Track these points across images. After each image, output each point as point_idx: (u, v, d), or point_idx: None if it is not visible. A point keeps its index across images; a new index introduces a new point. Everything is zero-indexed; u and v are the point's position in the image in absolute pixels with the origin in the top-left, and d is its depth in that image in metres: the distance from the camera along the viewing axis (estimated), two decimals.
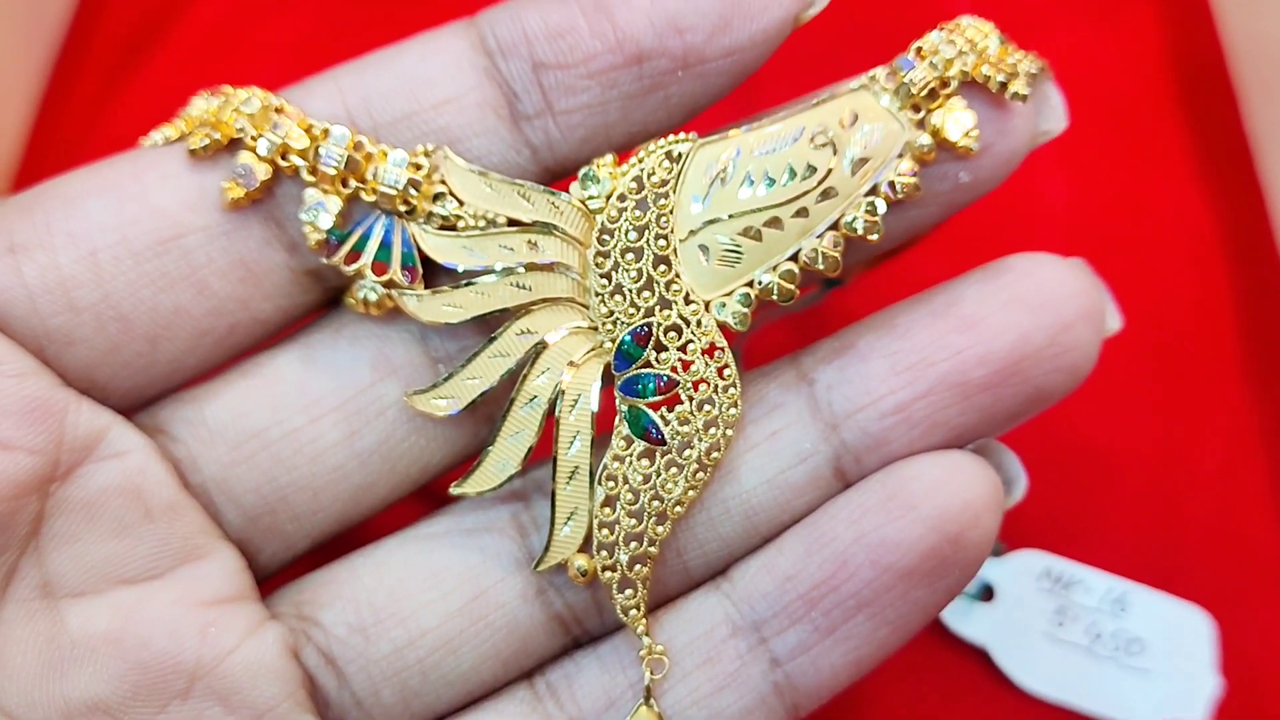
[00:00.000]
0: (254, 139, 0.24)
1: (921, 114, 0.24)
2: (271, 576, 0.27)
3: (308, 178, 0.24)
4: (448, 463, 0.26)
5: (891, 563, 0.24)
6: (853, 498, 0.24)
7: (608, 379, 0.25)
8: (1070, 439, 0.37)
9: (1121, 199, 0.41)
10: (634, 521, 0.25)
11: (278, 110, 0.25)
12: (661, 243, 0.24)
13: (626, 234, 0.24)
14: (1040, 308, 0.24)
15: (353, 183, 0.25)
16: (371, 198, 0.25)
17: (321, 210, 0.24)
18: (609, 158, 0.25)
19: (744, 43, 0.24)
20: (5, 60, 0.42)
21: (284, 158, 0.24)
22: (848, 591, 0.24)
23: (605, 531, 0.25)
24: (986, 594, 0.34)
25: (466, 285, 0.25)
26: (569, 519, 0.25)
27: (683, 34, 0.24)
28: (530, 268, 0.25)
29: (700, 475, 0.25)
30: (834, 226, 0.24)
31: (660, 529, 0.25)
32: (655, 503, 0.25)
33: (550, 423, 0.25)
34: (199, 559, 0.25)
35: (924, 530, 0.24)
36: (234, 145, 0.25)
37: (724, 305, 0.24)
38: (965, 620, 0.33)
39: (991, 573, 0.34)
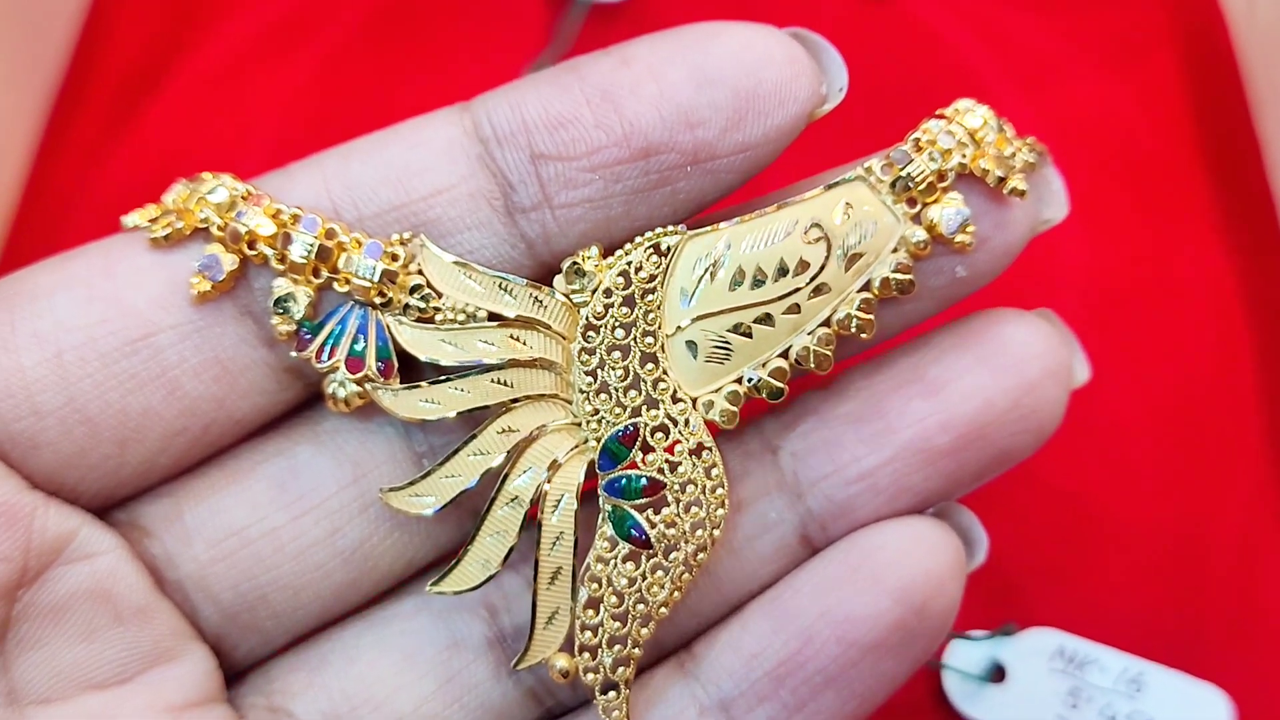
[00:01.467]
0: (220, 229, 0.24)
1: (918, 208, 0.24)
2: (245, 671, 0.26)
3: (277, 266, 0.24)
4: (431, 558, 0.26)
5: (857, 638, 0.24)
6: (816, 570, 0.25)
7: (590, 476, 0.24)
8: (1084, 510, 0.37)
9: (1141, 254, 0.40)
10: (618, 625, 0.24)
11: (244, 197, 0.24)
12: (649, 340, 0.24)
13: (613, 331, 0.24)
14: (1004, 370, 0.24)
15: (324, 272, 0.24)
16: (345, 288, 0.24)
17: (291, 301, 0.24)
18: (594, 250, 0.24)
19: (757, 139, 0.24)
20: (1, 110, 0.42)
21: (251, 246, 0.24)
22: (814, 668, 0.24)
23: (588, 634, 0.24)
24: (997, 674, 0.33)
25: (445, 381, 0.24)
26: (550, 619, 0.25)
27: (694, 129, 0.23)
28: (512, 364, 0.24)
29: (686, 577, 0.24)
30: (826, 323, 0.24)
31: (644, 631, 0.24)
32: (640, 606, 0.24)
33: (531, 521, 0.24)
34: (169, 661, 0.25)
35: (889, 603, 0.24)
36: (198, 235, 0.24)
37: (712, 403, 0.24)
38: (975, 703, 0.33)
39: (1002, 652, 0.33)
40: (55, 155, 0.44)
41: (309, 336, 0.24)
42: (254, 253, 0.24)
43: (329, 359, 0.24)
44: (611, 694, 0.24)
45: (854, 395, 0.25)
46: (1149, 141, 0.43)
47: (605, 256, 0.24)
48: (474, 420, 0.25)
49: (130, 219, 0.25)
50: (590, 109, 0.24)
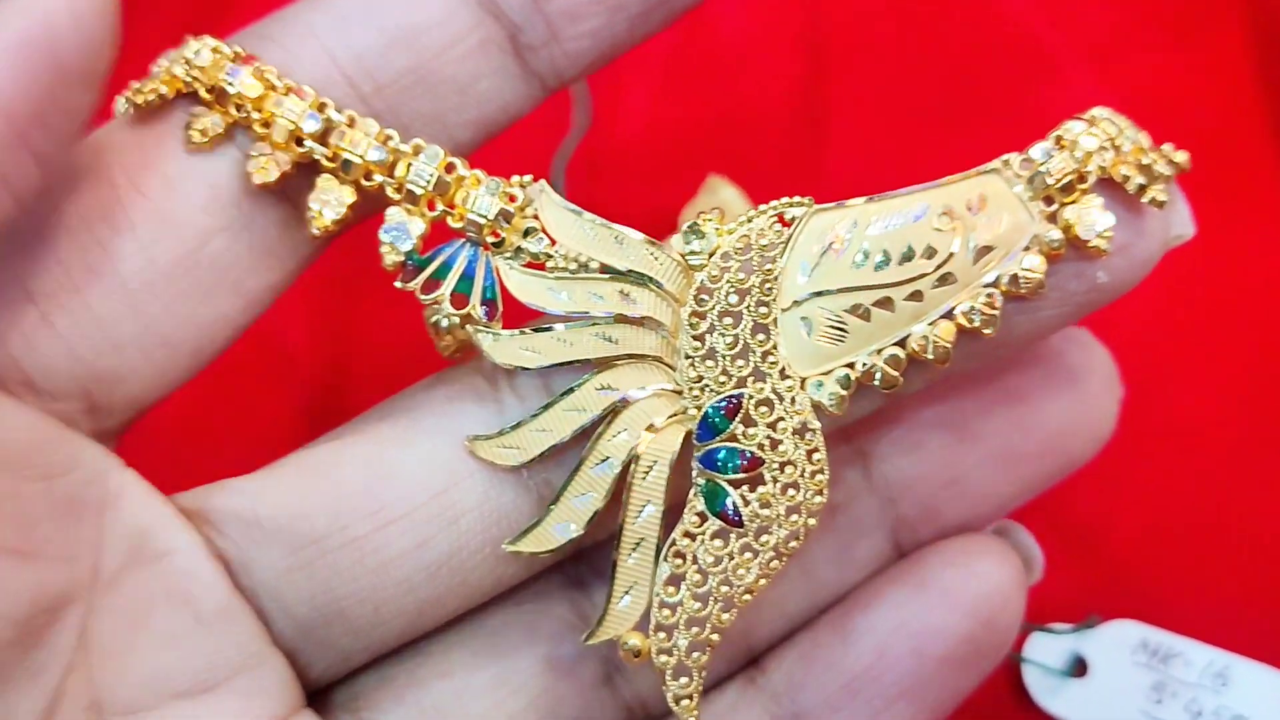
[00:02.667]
0: (330, 158, 0.24)
1: (1054, 207, 0.23)
2: (324, 689, 0.26)
3: (393, 196, 0.24)
4: (522, 575, 0.25)
5: (931, 651, 0.25)
6: (886, 585, 0.26)
7: (687, 448, 0.24)
8: (1168, 501, 0.37)
9: (1209, 233, 0.40)
10: (698, 605, 0.23)
11: (350, 124, 0.24)
12: (763, 310, 0.23)
13: (727, 296, 0.24)
14: (1075, 384, 0.27)
15: (439, 206, 0.24)
16: (458, 224, 0.24)
17: (403, 233, 0.24)
18: (715, 213, 0.24)
19: None
20: None
21: (368, 178, 0.23)
22: (889, 680, 0.25)
23: (665, 612, 0.24)
24: (1079, 669, 0.33)
25: (548, 330, 0.24)
26: (627, 592, 0.24)
27: None
28: (619, 319, 0.24)
29: (775, 564, 0.24)
30: (948, 315, 0.23)
31: (725, 616, 0.24)
32: (724, 588, 0.23)
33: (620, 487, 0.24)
34: (253, 669, 0.24)
35: (960, 616, 0.25)
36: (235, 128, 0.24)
37: (821, 384, 0.24)
38: (1056, 698, 0.33)
39: (1084, 646, 0.34)
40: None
41: (415, 269, 0.24)
42: (370, 184, 0.24)
43: (435, 293, 0.24)
44: (684, 680, 0.24)
45: (938, 401, 0.26)
46: (1216, 116, 0.44)
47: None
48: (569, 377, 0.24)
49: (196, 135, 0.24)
50: None
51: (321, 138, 0.24)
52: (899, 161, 0.44)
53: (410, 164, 0.24)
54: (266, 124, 0.23)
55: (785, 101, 0.45)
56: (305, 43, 0.24)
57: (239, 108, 0.23)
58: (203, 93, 0.24)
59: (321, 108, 0.24)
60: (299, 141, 0.23)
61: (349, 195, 0.24)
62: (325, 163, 0.24)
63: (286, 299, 0.38)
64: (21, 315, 0.23)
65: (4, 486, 0.23)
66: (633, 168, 0.43)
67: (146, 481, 0.25)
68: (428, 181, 0.24)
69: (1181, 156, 0.25)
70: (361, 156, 0.24)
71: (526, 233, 0.24)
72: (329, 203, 0.24)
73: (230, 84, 0.23)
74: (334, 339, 0.40)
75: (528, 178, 0.24)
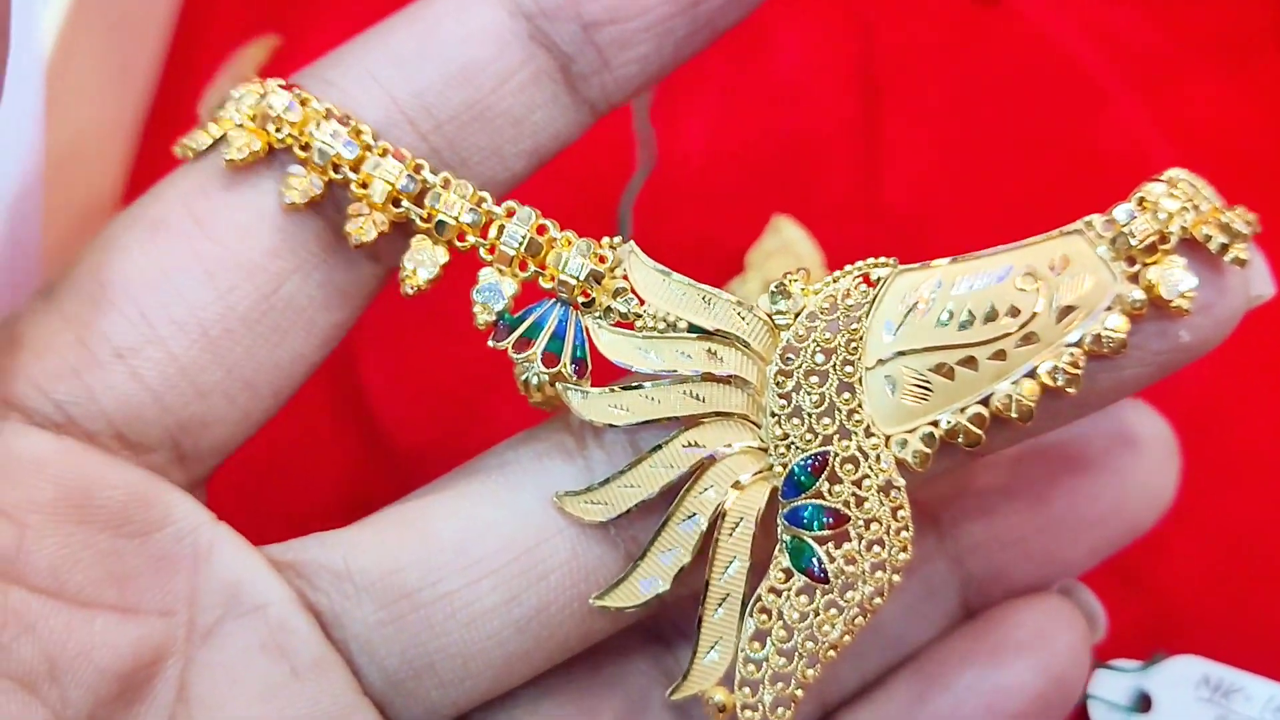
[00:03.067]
0: (424, 219, 0.24)
1: (1136, 267, 0.24)
2: None
3: (485, 257, 0.24)
4: (609, 630, 0.26)
5: (1004, 708, 0.27)
6: (959, 645, 0.27)
7: (773, 505, 0.24)
8: (1229, 534, 0.38)
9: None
10: (783, 661, 0.24)
11: (444, 185, 0.25)
12: (848, 369, 0.24)
13: (813, 355, 0.24)
14: (1138, 454, 0.29)
15: (531, 266, 0.24)
16: (549, 284, 0.24)
17: (496, 293, 0.24)
18: (801, 273, 0.24)
19: None
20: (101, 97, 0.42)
21: (461, 238, 0.24)
22: None
23: (750, 667, 0.24)
24: (1143, 704, 0.34)
25: (637, 388, 0.24)
26: (713, 647, 0.24)
27: None
28: (706, 378, 0.24)
29: (860, 620, 0.24)
30: (1031, 374, 0.24)
31: (810, 672, 0.24)
32: (809, 644, 0.24)
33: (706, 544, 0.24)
34: None
35: (1032, 675, 0.27)
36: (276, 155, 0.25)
37: (905, 442, 0.24)
38: None
39: (1148, 681, 0.34)
40: (151, 165, 0.45)
41: (507, 328, 0.24)
42: (463, 245, 0.24)
43: (527, 352, 0.24)
44: None
45: (1005, 468, 0.28)
46: (1267, 144, 0.45)
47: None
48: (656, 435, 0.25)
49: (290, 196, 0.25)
50: None
51: (417, 199, 0.24)
52: (954, 193, 0.45)
53: (503, 226, 0.24)
54: (364, 185, 0.24)
55: (841, 133, 0.46)
56: (364, 85, 0.25)
57: (336, 168, 0.24)
58: (297, 150, 0.24)
59: (418, 169, 0.24)
60: (396, 203, 0.24)
61: (442, 255, 0.24)
62: (420, 223, 0.24)
63: (360, 338, 0.39)
64: (111, 371, 0.24)
65: (103, 544, 0.23)
66: (695, 202, 0.44)
67: (238, 533, 0.25)
68: (520, 243, 0.24)
69: (1253, 217, 0.25)
70: (456, 218, 0.24)
71: (616, 293, 0.25)
72: (423, 263, 0.24)
73: (329, 146, 0.24)
74: (405, 377, 0.40)
75: (618, 239, 0.25)
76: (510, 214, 0.25)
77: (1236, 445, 0.40)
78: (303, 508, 0.38)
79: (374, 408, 0.39)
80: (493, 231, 0.24)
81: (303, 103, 0.24)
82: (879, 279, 0.24)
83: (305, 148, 0.24)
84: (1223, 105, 0.48)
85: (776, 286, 0.25)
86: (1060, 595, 0.28)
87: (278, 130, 0.24)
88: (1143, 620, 0.37)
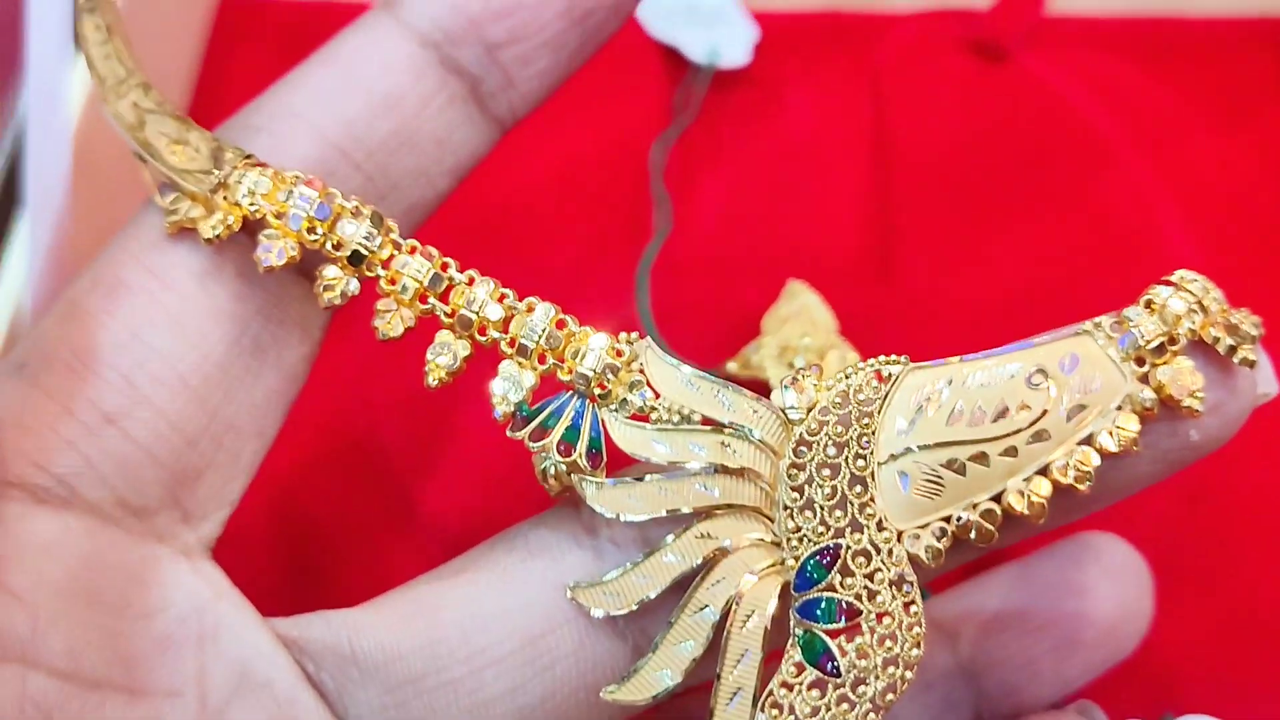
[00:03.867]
0: (449, 315, 0.25)
1: (1145, 368, 0.24)
2: None
3: (505, 350, 0.25)
4: None
5: None
6: None
7: (785, 598, 0.25)
8: (1241, 591, 0.39)
9: (1273, 315, 0.42)
10: None
11: (469, 282, 0.25)
12: (860, 463, 0.25)
13: (825, 449, 0.25)
14: (1124, 581, 0.33)
15: (550, 359, 0.25)
16: (567, 377, 0.25)
17: (515, 385, 0.25)
18: (815, 369, 0.25)
19: None
20: None
21: (482, 332, 0.25)
22: None
23: None
24: None
25: (650, 480, 0.25)
26: None
27: None
28: (719, 470, 0.25)
29: (872, 716, 0.24)
30: (1043, 471, 0.24)
31: None
32: None
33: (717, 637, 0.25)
34: None
35: None
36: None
37: (918, 537, 0.25)
38: None
39: None
40: None
41: (524, 420, 0.25)
42: (485, 338, 0.25)
43: (543, 442, 0.25)
44: None
45: (1014, 587, 0.32)
46: (1272, 201, 0.44)
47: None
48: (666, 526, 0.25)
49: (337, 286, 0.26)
50: None
51: (442, 294, 0.25)
52: (966, 254, 0.45)
53: (524, 319, 0.25)
54: (392, 281, 0.25)
55: (854, 197, 0.47)
56: (292, 124, 0.27)
57: (360, 259, 0.25)
58: (329, 247, 0.25)
59: (445, 267, 0.25)
60: (423, 299, 0.25)
61: (464, 349, 0.25)
62: (444, 318, 0.25)
63: (383, 403, 0.40)
64: (105, 438, 0.25)
65: (110, 626, 0.24)
66: (709, 264, 0.44)
67: (245, 603, 0.26)
68: (540, 336, 0.25)
69: (1258, 319, 0.26)
70: (478, 313, 0.25)
71: (632, 386, 0.25)
72: (445, 355, 0.25)
73: (367, 249, 0.25)
74: (427, 442, 0.41)
75: (634, 335, 0.25)
76: (531, 309, 0.25)
77: (1239, 503, 0.40)
78: (320, 567, 0.39)
79: (395, 471, 0.40)
80: (514, 325, 0.25)
81: (326, 195, 0.25)
82: (891, 375, 0.25)
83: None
84: (1228, 162, 0.49)
85: (786, 381, 0.25)
86: (1077, 716, 0.30)
87: (314, 230, 0.25)
88: (1150, 679, 0.37)
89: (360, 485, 0.40)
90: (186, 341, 0.25)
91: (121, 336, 0.25)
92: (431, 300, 0.25)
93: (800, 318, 0.40)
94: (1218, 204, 0.47)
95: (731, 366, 0.40)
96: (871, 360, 0.25)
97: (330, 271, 0.25)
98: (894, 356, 0.25)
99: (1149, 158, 0.48)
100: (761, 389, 0.39)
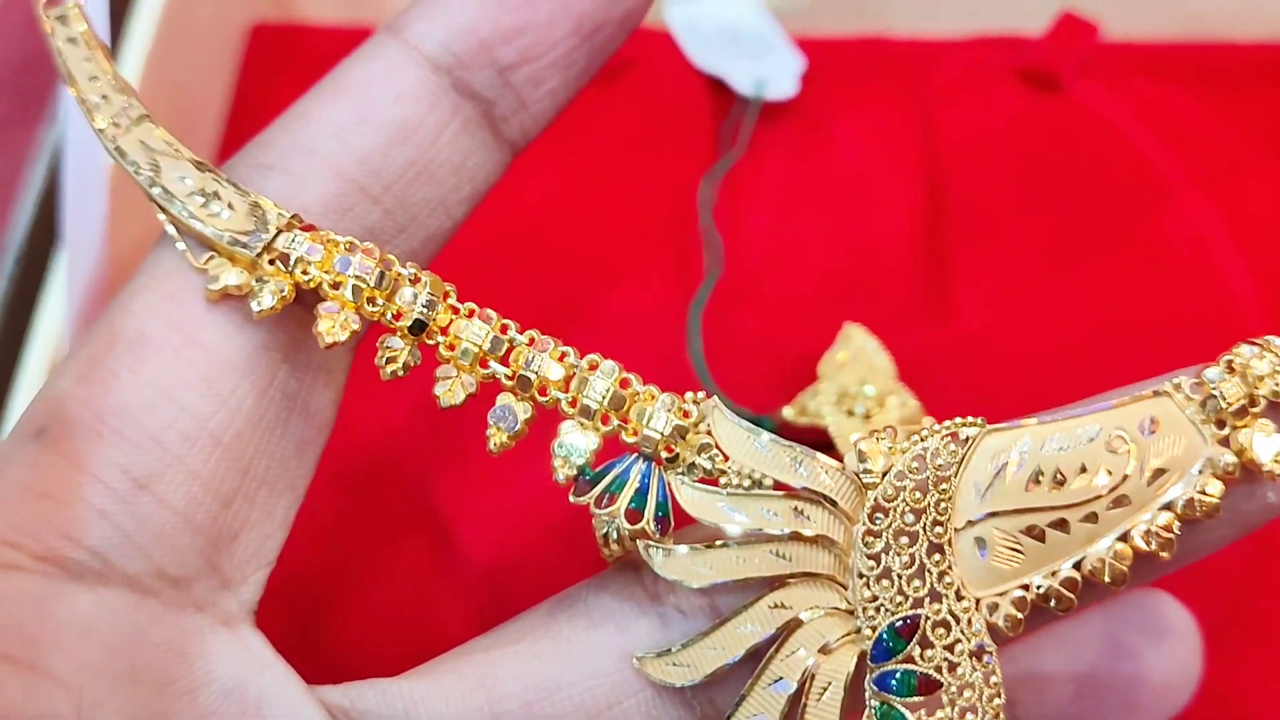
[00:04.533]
0: (510, 378, 0.25)
1: (1226, 430, 0.24)
2: None
3: (567, 410, 0.25)
4: None
5: None
6: None
7: (861, 669, 0.24)
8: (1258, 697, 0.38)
9: None
10: None
11: (530, 343, 0.25)
12: (938, 530, 0.24)
13: (902, 515, 0.24)
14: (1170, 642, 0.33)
15: (614, 420, 0.25)
16: (632, 439, 0.25)
17: (577, 448, 0.24)
18: (888, 432, 0.25)
19: None
20: None
21: (543, 393, 0.24)
22: None
23: None
24: None
25: (722, 546, 0.25)
26: None
27: (622, 1, 0.27)
28: (794, 537, 0.24)
29: None
30: (1123, 538, 0.24)
31: None
32: None
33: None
34: None
35: None
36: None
37: (996, 606, 0.24)
38: None
39: None
40: None
41: (589, 483, 0.25)
42: (546, 399, 0.25)
43: (610, 508, 0.24)
44: None
45: (1070, 649, 0.32)
46: None
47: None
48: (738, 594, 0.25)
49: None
50: (535, 10, 0.26)
51: (503, 357, 0.25)
52: (1021, 293, 0.45)
53: (586, 379, 0.25)
54: (451, 346, 0.25)
55: (905, 229, 0.46)
56: (308, 161, 0.26)
57: (421, 327, 0.25)
58: (387, 318, 0.25)
59: (504, 329, 0.25)
60: (483, 363, 0.25)
61: (525, 411, 0.25)
62: (504, 380, 0.25)
63: (434, 455, 0.39)
64: (138, 505, 0.24)
65: (152, 704, 0.24)
66: (760, 304, 0.44)
67: (290, 673, 0.25)
68: (603, 397, 0.25)
69: None
70: (537, 373, 0.25)
71: (700, 449, 0.25)
72: (506, 418, 0.25)
73: (429, 317, 0.25)
74: (479, 494, 0.41)
75: (700, 394, 0.25)
76: (593, 367, 0.25)
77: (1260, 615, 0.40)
78: (367, 627, 0.39)
79: (447, 525, 0.40)
80: (574, 385, 0.25)
81: (383, 262, 0.25)
82: (967, 438, 0.25)
83: (398, 316, 0.25)
84: None
85: (860, 445, 0.25)
86: None
87: (373, 300, 0.25)
88: None
89: (400, 531, 0.40)
90: (216, 397, 0.25)
91: (148, 395, 0.24)
92: (492, 365, 0.25)
93: (858, 362, 0.40)
94: (1275, 242, 0.47)
95: (787, 412, 0.39)
96: (947, 422, 0.25)
97: (393, 343, 0.25)
98: (970, 419, 0.25)
99: (1207, 191, 0.48)
100: (819, 436, 0.39)
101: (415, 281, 0.25)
